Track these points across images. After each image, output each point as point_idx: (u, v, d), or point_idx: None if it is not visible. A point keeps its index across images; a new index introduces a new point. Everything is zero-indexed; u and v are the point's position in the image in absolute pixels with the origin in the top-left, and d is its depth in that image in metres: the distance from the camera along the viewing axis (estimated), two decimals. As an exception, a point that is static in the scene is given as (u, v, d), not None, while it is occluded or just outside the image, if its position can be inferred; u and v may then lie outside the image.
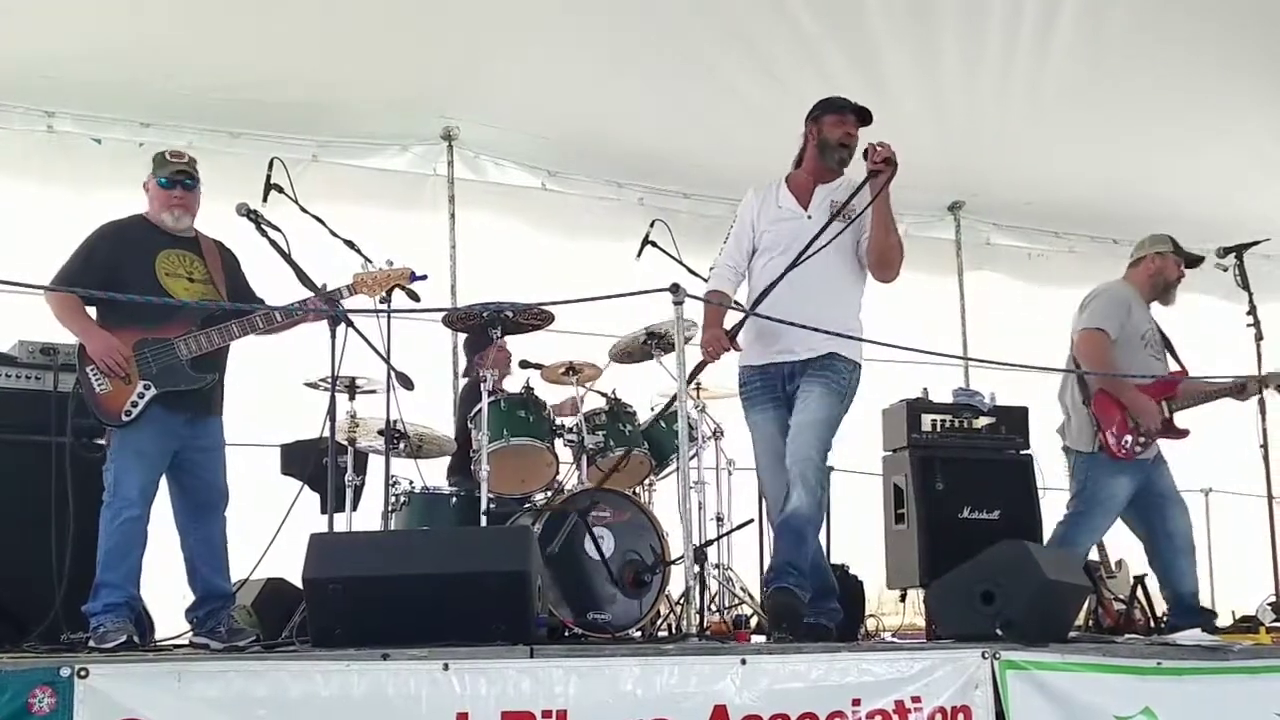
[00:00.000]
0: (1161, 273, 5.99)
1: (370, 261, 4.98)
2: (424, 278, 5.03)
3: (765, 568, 5.71)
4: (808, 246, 4.82)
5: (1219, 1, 6.77)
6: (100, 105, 6.87)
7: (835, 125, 5.09)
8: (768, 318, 4.88)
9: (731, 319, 5.08)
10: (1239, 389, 5.85)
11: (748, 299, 5.11)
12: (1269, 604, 5.67)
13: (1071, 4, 6.71)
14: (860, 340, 4.98)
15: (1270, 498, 5.67)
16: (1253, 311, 5.88)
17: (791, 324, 4.84)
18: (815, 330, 4.82)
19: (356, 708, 3.42)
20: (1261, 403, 5.78)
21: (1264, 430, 5.76)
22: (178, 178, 4.83)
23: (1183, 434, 5.84)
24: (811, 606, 4.80)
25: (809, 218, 5.03)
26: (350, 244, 5.08)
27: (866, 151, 4.93)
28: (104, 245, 4.73)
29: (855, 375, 5.00)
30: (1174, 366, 5.95)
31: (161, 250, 4.78)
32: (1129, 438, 5.72)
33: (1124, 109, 7.47)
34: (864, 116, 5.11)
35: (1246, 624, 5.69)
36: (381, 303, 4.97)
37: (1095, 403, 5.77)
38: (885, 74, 7.16)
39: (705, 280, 5.33)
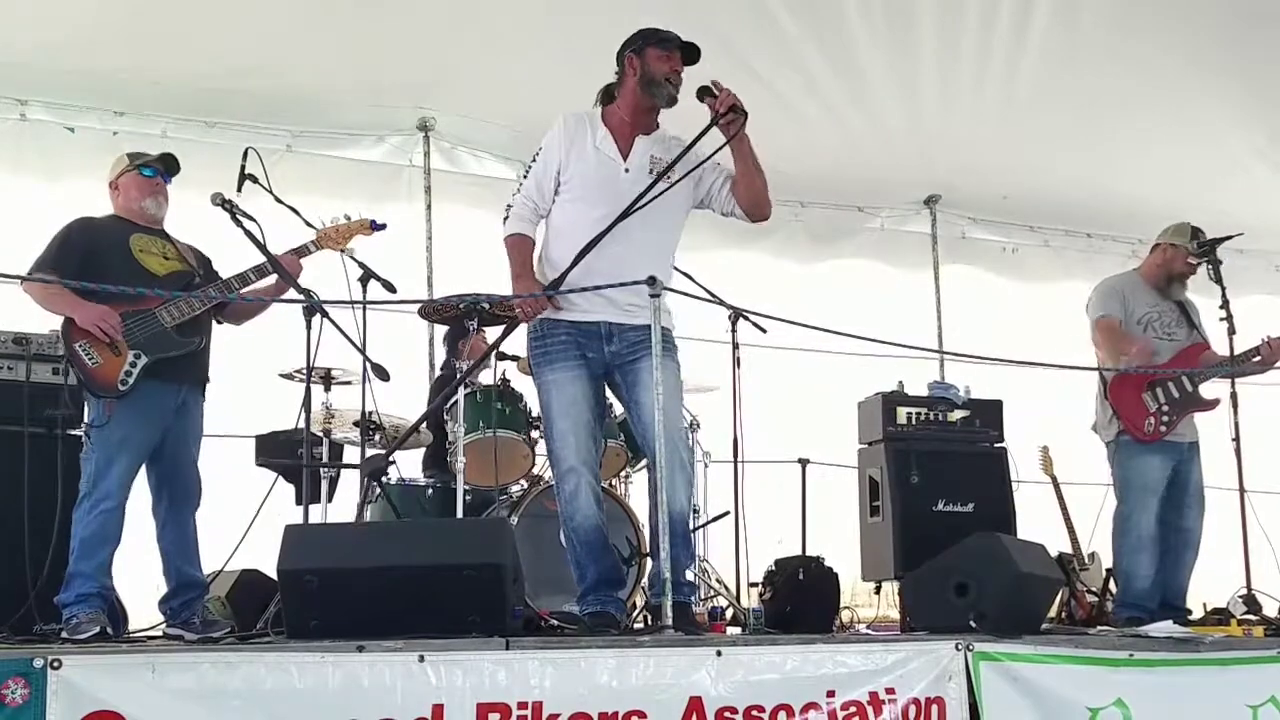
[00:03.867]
0: (1169, 263, 6.07)
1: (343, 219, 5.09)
2: (383, 227, 5.17)
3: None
4: (630, 207, 4.42)
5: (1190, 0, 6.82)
6: (74, 94, 6.82)
7: (660, 60, 4.59)
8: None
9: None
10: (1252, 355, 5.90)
11: (543, 246, 4.72)
12: (1240, 596, 5.70)
13: (1046, 2, 6.74)
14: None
15: (1242, 491, 5.71)
16: (1225, 305, 5.90)
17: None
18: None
19: (332, 699, 3.41)
20: (1234, 396, 5.82)
21: (1236, 424, 5.80)
22: (161, 165, 4.90)
23: (1212, 404, 5.90)
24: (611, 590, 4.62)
25: (626, 171, 4.61)
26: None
27: (703, 92, 4.51)
28: (79, 231, 4.76)
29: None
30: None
31: (134, 233, 4.83)
32: (1150, 419, 5.81)
33: (1098, 105, 7.50)
34: (690, 54, 4.60)
35: (1218, 616, 5.73)
36: (357, 272, 5.05)
37: (1111, 391, 5.89)
38: (862, 69, 7.17)
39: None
